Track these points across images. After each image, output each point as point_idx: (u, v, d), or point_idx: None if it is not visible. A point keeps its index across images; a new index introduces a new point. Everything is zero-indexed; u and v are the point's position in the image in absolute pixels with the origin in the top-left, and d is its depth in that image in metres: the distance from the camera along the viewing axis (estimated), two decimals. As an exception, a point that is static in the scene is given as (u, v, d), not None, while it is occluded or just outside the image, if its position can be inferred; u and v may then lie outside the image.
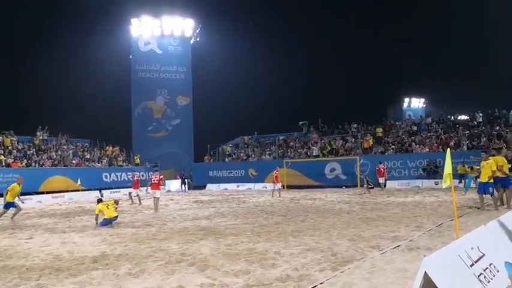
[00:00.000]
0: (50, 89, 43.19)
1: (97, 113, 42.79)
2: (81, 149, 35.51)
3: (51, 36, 44.01)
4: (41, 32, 44.30)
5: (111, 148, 36.99)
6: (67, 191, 27.67)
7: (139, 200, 21.33)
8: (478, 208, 13.29)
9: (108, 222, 12.51)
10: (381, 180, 26.01)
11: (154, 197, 17.48)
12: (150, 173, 24.05)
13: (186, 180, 35.39)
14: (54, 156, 31.38)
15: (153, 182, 17.66)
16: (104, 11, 43.89)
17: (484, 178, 13.13)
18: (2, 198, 15.53)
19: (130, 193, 22.86)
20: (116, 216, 12.89)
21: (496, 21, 44.23)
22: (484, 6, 43.82)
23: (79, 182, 26.63)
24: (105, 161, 34.81)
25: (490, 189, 12.96)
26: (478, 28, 45.37)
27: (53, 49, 43.22)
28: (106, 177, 32.09)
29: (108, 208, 12.76)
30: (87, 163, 33.23)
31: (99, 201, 13.60)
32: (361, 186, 27.20)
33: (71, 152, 33.34)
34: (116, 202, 13.66)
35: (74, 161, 32.02)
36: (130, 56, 43.08)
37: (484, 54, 45.59)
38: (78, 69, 44.22)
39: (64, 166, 30.67)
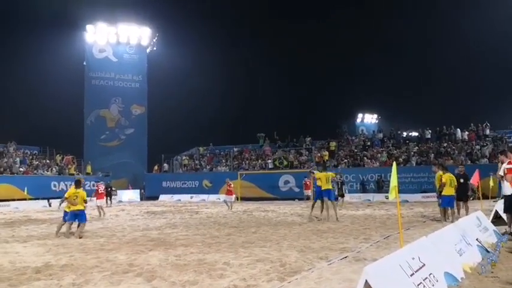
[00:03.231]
0: (-2, 93, 41.75)
1: (48, 119, 41.55)
2: (30, 157, 34.34)
3: (0, 39, 42.69)
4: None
5: (59, 156, 35.90)
6: (13, 200, 26.68)
7: None
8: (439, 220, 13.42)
9: (73, 218, 11.70)
10: (307, 192, 26.66)
11: (99, 206, 19.13)
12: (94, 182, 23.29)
13: (111, 192, 29.95)
14: (0, 163, 30.24)
15: (100, 192, 19.87)
16: (58, 16, 42.91)
17: (448, 191, 13.43)
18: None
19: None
20: (82, 212, 11.86)
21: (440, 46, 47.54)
22: (427, 35, 47.28)
23: (26, 191, 25.74)
24: (55, 169, 33.73)
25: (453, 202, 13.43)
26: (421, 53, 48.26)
27: (3, 52, 41.88)
28: (55, 186, 31.11)
29: (76, 198, 11.76)
30: (35, 171, 32.13)
31: (78, 184, 12.18)
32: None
33: (18, 159, 32.19)
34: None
35: (21, 169, 30.91)
36: (84, 63, 41.91)
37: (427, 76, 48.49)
38: (29, 73, 42.98)
39: (11, 174, 29.57)
